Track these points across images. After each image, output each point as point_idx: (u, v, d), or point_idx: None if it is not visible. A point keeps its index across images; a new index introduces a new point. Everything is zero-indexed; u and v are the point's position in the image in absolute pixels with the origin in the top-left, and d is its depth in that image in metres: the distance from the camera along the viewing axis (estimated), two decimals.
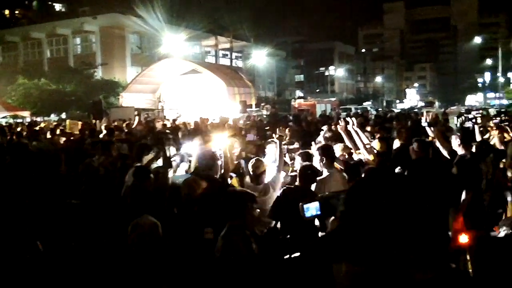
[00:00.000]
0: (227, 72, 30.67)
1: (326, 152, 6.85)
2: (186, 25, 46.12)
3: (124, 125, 16.10)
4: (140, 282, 4.26)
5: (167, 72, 28.95)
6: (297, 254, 4.87)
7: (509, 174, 9.45)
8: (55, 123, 21.37)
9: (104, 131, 12.99)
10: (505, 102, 72.85)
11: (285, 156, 8.61)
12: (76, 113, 32.93)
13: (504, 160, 9.93)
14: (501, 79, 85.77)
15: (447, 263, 5.89)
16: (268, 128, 14.59)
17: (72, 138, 12.51)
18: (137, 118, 18.61)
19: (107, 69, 42.68)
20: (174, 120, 19.33)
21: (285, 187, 6.32)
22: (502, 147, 9.75)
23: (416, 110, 47.48)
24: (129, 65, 44.97)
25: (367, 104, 68.07)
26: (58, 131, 15.04)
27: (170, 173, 7.74)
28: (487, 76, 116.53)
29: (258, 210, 4.39)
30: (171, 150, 8.91)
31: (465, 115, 21.68)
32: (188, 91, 28.13)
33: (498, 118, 13.55)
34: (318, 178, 6.32)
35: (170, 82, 29.33)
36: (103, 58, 44.72)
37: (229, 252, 3.98)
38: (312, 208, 3.90)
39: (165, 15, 42.59)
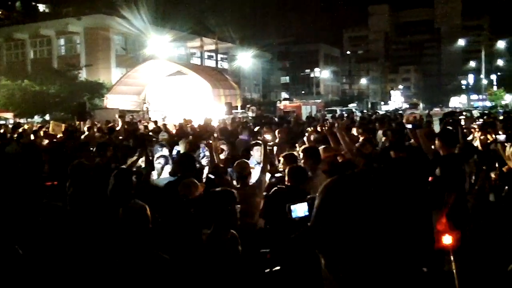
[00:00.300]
0: (212, 74, 30.58)
1: (311, 153, 6.85)
2: (171, 26, 46.00)
3: (106, 127, 16.03)
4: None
5: (152, 73, 28.81)
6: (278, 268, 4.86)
7: (492, 175, 9.53)
8: (38, 125, 21.18)
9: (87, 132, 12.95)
10: (488, 104, 73.58)
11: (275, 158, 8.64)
12: (60, 115, 32.67)
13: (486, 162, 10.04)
14: (484, 81, 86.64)
15: (431, 263, 5.94)
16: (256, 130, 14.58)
17: (55, 140, 12.39)
18: (120, 120, 18.45)
19: (91, 71, 42.36)
20: (155, 122, 19.26)
21: (276, 187, 6.32)
22: (484, 149, 9.86)
23: (400, 111, 47.83)
24: (113, 67, 44.70)
25: (352, 105, 68.44)
26: (41, 133, 14.90)
27: (155, 176, 7.71)
28: (471, 78, 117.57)
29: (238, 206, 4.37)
30: (164, 151, 8.89)
31: (448, 117, 21.83)
32: (173, 92, 28.03)
33: (481, 120, 13.66)
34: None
35: (155, 84, 29.19)
36: (88, 59, 44.39)
37: (214, 253, 3.96)
38: (299, 209, 3.87)
39: (150, 16, 42.47)
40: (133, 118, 23.78)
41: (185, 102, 26.52)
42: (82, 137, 12.62)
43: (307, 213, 3.84)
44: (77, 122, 18.70)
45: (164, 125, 17.00)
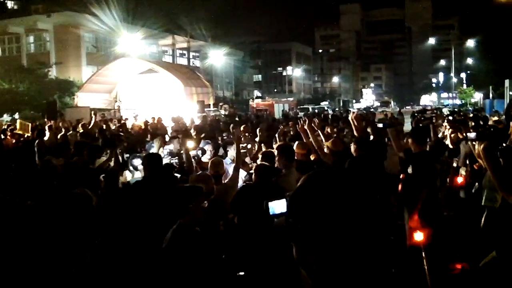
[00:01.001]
0: (184, 72, 30.44)
1: (285, 151, 6.85)
2: (143, 24, 45.59)
3: (79, 125, 15.79)
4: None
5: (124, 71, 28.54)
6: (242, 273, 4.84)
7: (462, 172, 9.67)
8: (7, 124, 20.77)
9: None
10: (458, 102, 74.69)
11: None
12: (29, 114, 32.08)
13: (457, 159, 10.17)
14: (454, 80, 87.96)
15: (403, 260, 5.98)
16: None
17: (22, 138, 12.17)
18: (93, 118, 18.21)
19: (61, 69, 41.72)
20: (119, 120, 19.08)
21: (244, 184, 6.32)
22: (455, 147, 9.99)
23: (372, 110, 48.33)
24: (84, 65, 44.11)
25: (324, 104, 68.94)
26: (8, 132, 14.63)
27: (129, 176, 7.61)
28: (441, 76, 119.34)
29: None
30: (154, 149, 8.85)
31: (419, 114, 22.10)
32: (145, 90, 27.83)
33: (451, 118, 13.86)
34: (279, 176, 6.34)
35: (126, 82, 28.92)
36: (58, 57, 43.70)
37: (176, 251, 3.91)
38: (277, 206, 3.86)
39: (121, 14, 42.01)
40: (104, 116, 23.49)
41: (157, 100, 26.35)
42: (59, 136, 12.36)
43: (285, 210, 3.83)
44: (47, 121, 18.36)
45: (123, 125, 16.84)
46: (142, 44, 44.63)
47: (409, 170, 7.44)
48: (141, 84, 28.29)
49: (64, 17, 43.41)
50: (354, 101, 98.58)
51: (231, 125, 14.10)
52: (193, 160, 7.80)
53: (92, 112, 18.70)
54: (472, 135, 4.36)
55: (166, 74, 27.05)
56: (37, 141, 10.69)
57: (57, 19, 43.38)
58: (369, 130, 10.73)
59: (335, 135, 10.04)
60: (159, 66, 29.01)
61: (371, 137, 9.73)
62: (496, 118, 14.74)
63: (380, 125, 10.36)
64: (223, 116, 27.14)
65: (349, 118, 9.24)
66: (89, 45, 46.06)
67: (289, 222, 2.59)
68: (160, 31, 49.27)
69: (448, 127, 11.05)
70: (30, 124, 16.55)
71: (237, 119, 23.80)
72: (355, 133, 8.99)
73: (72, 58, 43.80)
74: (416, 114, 13.24)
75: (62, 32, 44.07)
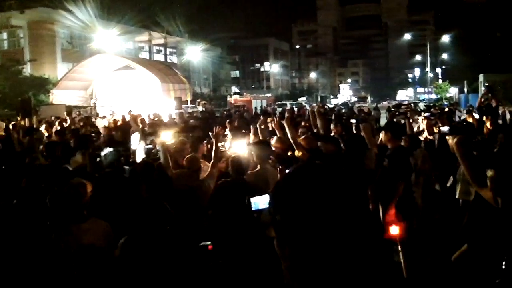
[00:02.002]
0: (161, 68, 30.28)
1: (261, 146, 6.87)
2: (119, 20, 45.15)
3: (56, 123, 15.61)
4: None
5: (100, 68, 28.28)
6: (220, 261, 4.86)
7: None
8: None
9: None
10: (434, 96, 75.48)
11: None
12: (3, 112, 31.58)
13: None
14: (430, 75, 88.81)
15: (380, 253, 6.03)
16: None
17: None
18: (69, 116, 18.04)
19: (36, 66, 41.08)
20: (87, 118, 18.91)
21: (221, 180, 6.33)
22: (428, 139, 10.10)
23: (350, 105, 48.61)
24: (59, 61, 43.51)
25: (302, 99, 69.06)
26: None
27: None
28: (417, 71, 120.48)
29: None
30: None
31: (394, 109, 22.29)
32: (122, 87, 27.63)
33: (428, 113, 13.98)
34: (250, 172, 6.35)
35: (102, 79, 28.68)
36: (32, 54, 43.01)
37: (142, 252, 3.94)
38: (260, 202, 3.91)
39: (96, 10, 41.52)
40: (80, 113, 23.28)
41: (134, 97, 26.17)
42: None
43: (267, 205, 3.87)
44: (20, 119, 18.09)
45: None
46: (118, 41, 44.23)
47: (385, 164, 7.52)
48: (118, 81, 28.08)
49: (38, 13, 42.71)
50: (331, 96, 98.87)
51: (227, 121, 13.99)
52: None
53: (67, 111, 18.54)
54: (445, 129, 4.41)
55: (142, 71, 26.90)
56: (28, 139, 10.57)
57: (31, 15, 42.64)
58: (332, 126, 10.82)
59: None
60: (136, 62, 28.83)
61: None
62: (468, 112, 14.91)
63: (353, 121, 10.45)
64: (201, 112, 27.02)
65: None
66: (64, 42, 45.42)
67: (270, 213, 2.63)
68: (136, 27, 48.84)
69: (424, 121, 11.18)
70: (3, 123, 16.34)
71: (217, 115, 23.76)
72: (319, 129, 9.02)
73: (47, 54, 43.18)
74: (391, 109, 13.37)
75: (36, 28, 43.38)
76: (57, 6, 40.88)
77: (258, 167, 6.59)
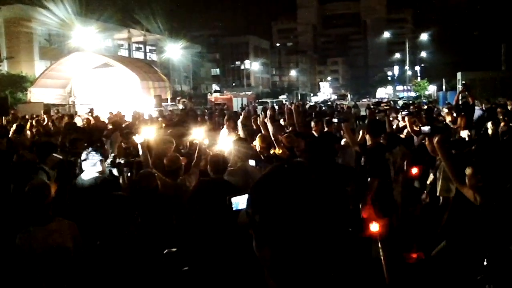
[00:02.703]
0: (140, 66, 30.10)
1: (241, 144, 6.86)
2: (97, 17, 44.74)
3: (34, 121, 15.40)
4: None
5: (78, 66, 28.01)
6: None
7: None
8: None
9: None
10: (413, 94, 76.12)
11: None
12: None
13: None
14: (409, 72, 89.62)
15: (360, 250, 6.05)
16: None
17: None
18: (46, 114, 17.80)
19: (13, 63, 40.49)
20: (69, 116, 18.69)
21: (201, 179, 6.30)
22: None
23: (329, 103, 48.81)
24: (37, 59, 42.99)
25: (282, 97, 69.12)
26: None
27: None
28: (396, 69, 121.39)
29: None
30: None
31: (374, 107, 22.46)
32: (101, 85, 27.41)
33: (406, 111, 14.08)
34: (230, 170, 6.33)
35: (81, 76, 28.42)
36: (9, 52, 42.31)
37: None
38: (241, 202, 3.88)
39: (74, 7, 41.06)
40: (58, 112, 23.00)
41: (113, 95, 25.98)
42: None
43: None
44: None
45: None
46: (97, 38, 43.80)
47: (362, 161, 7.58)
48: (97, 79, 27.85)
49: (14, 10, 42.12)
50: (312, 94, 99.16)
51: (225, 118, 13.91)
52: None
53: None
54: (426, 128, 4.44)
55: (122, 68, 26.72)
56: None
57: (8, 12, 42.05)
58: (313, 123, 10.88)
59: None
60: (115, 60, 28.63)
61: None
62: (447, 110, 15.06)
63: (335, 120, 10.48)
64: (180, 110, 26.91)
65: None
66: (42, 39, 44.85)
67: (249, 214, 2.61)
68: (115, 24, 48.45)
69: (404, 119, 11.26)
70: None
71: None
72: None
73: (24, 52, 42.61)
74: (371, 107, 13.50)
75: (13, 25, 42.73)
76: (34, 3, 40.34)
77: (238, 164, 6.57)
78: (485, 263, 2.51)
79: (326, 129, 10.44)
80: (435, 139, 3.82)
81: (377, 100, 61.96)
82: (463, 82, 26.27)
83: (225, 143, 7.61)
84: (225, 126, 10.83)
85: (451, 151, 3.60)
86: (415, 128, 10.46)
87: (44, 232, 4.33)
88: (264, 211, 1.56)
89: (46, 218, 4.42)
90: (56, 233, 4.35)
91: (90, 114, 18.90)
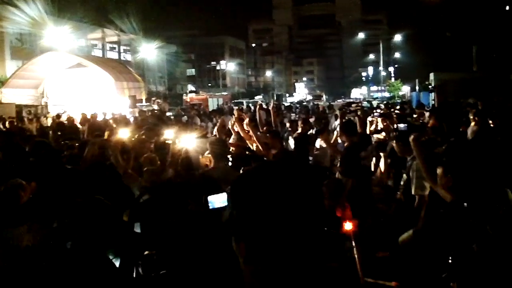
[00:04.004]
0: (114, 66, 29.82)
1: (217, 145, 6.84)
2: (70, 17, 44.18)
3: (7, 123, 15.24)
4: None
5: (51, 66, 27.63)
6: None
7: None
8: None
9: None
10: (387, 94, 76.93)
11: None
12: None
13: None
14: (383, 73, 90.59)
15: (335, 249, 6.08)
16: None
17: None
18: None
19: None
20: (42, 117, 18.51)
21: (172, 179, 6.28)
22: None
23: (305, 103, 49.05)
24: (8, 59, 42.25)
25: (258, 98, 69.25)
26: None
27: None
28: (370, 70, 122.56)
29: None
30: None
31: (345, 108, 22.63)
32: (74, 86, 27.09)
33: (379, 111, 14.22)
34: (207, 169, 6.34)
35: (54, 77, 28.03)
36: None
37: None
38: (217, 200, 3.88)
39: (47, 6, 40.50)
40: (30, 113, 22.70)
41: (87, 96, 25.72)
42: None
43: (225, 204, 3.82)
44: None
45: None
46: (70, 38, 43.26)
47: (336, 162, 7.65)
48: (70, 79, 27.50)
49: None
50: (287, 95, 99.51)
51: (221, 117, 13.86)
52: None
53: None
54: (402, 126, 4.48)
55: (95, 69, 26.45)
56: None
57: None
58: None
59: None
60: (88, 60, 28.31)
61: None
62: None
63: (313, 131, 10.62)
64: (155, 111, 26.77)
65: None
66: (13, 39, 44.14)
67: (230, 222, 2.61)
68: (89, 24, 47.92)
69: (378, 119, 11.38)
70: None
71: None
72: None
73: None
74: (342, 108, 13.60)
75: None
76: (4, 2, 39.67)
77: (213, 164, 6.57)
78: (450, 261, 2.54)
79: (300, 129, 10.53)
80: (411, 137, 3.87)
81: (352, 100, 62.50)
82: (432, 85, 26.64)
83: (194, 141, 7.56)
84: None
85: (425, 150, 3.64)
86: (391, 126, 10.58)
87: (16, 234, 4.26)
88: (241, 207, 1.56)
89: (20, 220, 4.34)
90: (29, 235, 4.27)
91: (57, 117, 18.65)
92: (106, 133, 9.69)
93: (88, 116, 17.22)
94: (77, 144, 8.59)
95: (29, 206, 4.48)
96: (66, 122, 16.29)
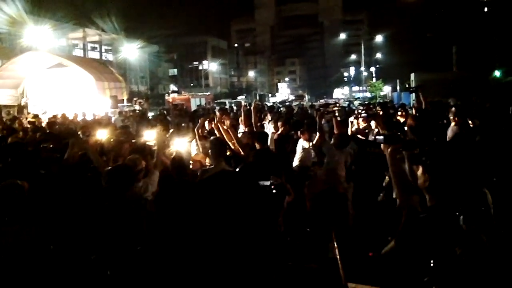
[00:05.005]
0: (95, 66, 29.61)
1: (215, 145, 6.82)
2: (50, 16, 43.73)
3: None
4: None
5: (31, 65, 27.33)
6: None
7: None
8: None
9: None
10: (368, 95, 77.35)
11: None
12: None
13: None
14: (365, 73, 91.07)
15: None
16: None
17: None
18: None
19: None
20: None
21: (163, 180, 6.27)
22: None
23: (288, 103, 49.13)
24: None
25: (241, 98, 69.24)
26: None
27: None
28: (352, 70, 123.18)
29: None
30: None
31: (322, 108, 22.70)
32: (55, 86, 26.86)
33: (361, 111, 14.26)
34: (206, 169, 6.37)
35: (34, 77, 27.74)
36: None
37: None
38: None
39: (26, 5, 40.03)
40: (9, 113, 22.45)
41: (68, 96, 25.51)
42: None
43: None
44: None
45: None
46: (51, 37, 42.82)
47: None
48: (50, 79, 27.26)
49: None
50: (270, 95, 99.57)
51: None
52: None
53: None
54: (381, 138, 4.51)
55: (76, 69, 26.24)
56: None
57: None
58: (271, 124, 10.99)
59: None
60: (69, 60, 28.05)
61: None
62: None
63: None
64: (137, 111, 26.64)
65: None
66: None
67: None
68: (69, 24, 47.47)
69: (360, 120, 11.44)
70: None
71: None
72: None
73: None
74: (320, 109, 13.64)
75: None
76: None
77: (213, 166, 6.54)
78: (431, 264, 2.56)
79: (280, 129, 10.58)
80: (387, 151, 3.90)
81: (334, 100, 62.74)
82: (412, 86, 26.84)
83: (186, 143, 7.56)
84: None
85: (402, 162, 3.66)
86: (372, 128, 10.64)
87: (9, 232, 4.28)
88: (196, 214, 1.56)
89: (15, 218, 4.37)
90: (14, 235, 4.27)
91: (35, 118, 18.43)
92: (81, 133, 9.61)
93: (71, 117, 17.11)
94: (51, 146, 8.52)
95: (25, 206, 4.50)
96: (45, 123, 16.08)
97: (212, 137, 7.95)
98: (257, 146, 7.89)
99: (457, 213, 2.81)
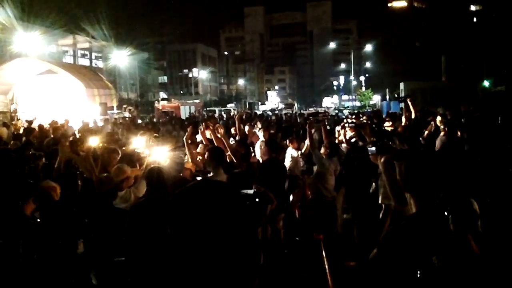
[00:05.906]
0: (85, 73, 29.53)
1: (213, 153, 6.82)
2: (41, 22, 43.61)
3: None
4: None
5: (21, 72, 27.16)
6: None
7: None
8: None
9: None
10: (357, 103, 77.71)
11: None
12: None
13: None
14: (354, 82, 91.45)
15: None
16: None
17: None
18: None
19: None
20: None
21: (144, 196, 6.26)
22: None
23: (277, 111, 49.30)
24: None
25: (230, 106, 69.30)
26: None
27: None
28: (342, 79, 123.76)
29: None
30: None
31: (312, 117, 22.80)
32: (44, 92, 26.72)
33: (345, 121, 14.33)
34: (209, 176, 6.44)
35: (24, 83, 27.58)
36: None
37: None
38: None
39: (16, 11, 39.88)
40: None
41: (57, 103, 25.40)
42: None
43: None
44: None
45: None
46: (41, 44, 42.69)
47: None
48: (40, 86, 27.10)
49: None
50: (259, 103, 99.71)
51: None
52: None
53: None
54: (373, 149, 4.56)
55: (66, 76, 26.13)
56: None
57: None
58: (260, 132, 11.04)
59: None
60: (59, 67, 27.93)
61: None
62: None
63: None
64: (127, 118, 26.59)
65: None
66: None
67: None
68: (59, 30, 47.34)
69: (347, 130, 11.50)
70: None
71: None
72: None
73: None
74: (309, 117, 13.69)
75: None
76: None
77: (211, 174, 6.54)
78: (418, 275, 2.60)
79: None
80: (381, 159, 3.94)
81: (323, 109, 62.97)
82: (401, 95, 26.99)
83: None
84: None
85: (394, 172, 3.70)
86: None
87: None
88: (175, 226, 1.59)
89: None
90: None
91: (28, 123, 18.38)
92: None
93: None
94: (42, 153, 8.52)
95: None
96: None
97: (211, 146, 7.98)
98: (266, 155, 7.97)
99: (446, 213, 2.84)
